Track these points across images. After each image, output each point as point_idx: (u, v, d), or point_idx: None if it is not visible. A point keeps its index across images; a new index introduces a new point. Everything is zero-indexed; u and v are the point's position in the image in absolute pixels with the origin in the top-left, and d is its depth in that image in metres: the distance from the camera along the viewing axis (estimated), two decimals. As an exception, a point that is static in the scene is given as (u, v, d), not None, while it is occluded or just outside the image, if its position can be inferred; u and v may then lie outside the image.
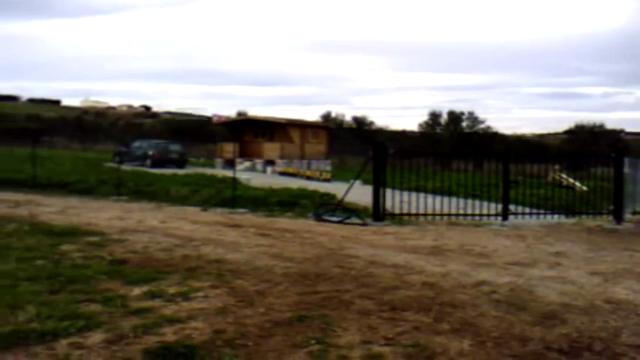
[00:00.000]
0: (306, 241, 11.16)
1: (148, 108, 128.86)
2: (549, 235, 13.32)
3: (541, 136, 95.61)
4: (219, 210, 16.06)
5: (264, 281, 7.83)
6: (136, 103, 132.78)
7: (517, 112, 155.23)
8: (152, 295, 6.85)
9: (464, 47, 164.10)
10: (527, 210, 16.10)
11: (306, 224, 13.71)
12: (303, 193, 18.22)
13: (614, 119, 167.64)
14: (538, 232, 13.75)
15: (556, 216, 15.97)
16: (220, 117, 63.15)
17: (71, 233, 10.96)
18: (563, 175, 26.19)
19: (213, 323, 5.90)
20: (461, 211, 15.23)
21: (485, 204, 15.91)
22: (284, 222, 13.99)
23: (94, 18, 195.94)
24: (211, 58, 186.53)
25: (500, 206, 15.68)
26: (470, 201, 15.88)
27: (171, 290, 7.11)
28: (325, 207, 15.59)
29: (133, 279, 7.61)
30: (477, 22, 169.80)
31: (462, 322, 6.25)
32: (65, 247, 9.67)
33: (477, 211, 15.30)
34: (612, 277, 8.87)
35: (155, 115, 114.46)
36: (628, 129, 78.33)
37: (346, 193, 15.47)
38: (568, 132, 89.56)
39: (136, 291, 7.05)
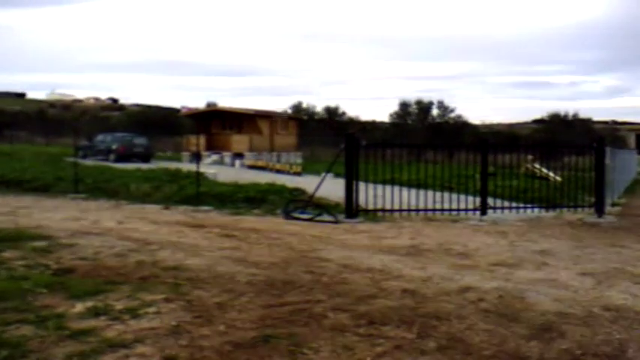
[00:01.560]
0: (274, 242, 10.34)
1: (115, 100, 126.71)
2: (531, 231, 12.66)
3: (510, 125, 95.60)
4: (182, 208, 15.15)
5: (226, 291, 7.01)
6: (104, 95, 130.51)
7: (486, 102, 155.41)
8: (96, 313, 5.98)
9: (433, 37, 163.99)
10: (505, 203, 15.44)
11: (274, 223, 12.87)
12: (272, 189, 17.35)
13: (580, 108, 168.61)
14: (519, 228, 13.08)
15: (536, 209, 15.32)
16: (189, 109, 61.91)
17: (16, 238, 9.98)
18: (537, 166, 25.66)
19: (163, 347, 5.08)
20: (437, 206, 14.50)
21: (461, 197, 15.21)
22: (250, 221, 13.14)
23: (61, 8, 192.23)
24: (181, 49, 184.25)
25: (477, 199, 14.99)
26: (445, 194, 15.13)
27: (119, 306, 6.25)
28: (295, 203, 14.75)
29: (77, 292, 6.73)
30: (447, 11, 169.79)
31: (449, 337, 5.51)
32: (6, 255, 8.72)
33: (454, 205, 14.59)
34: (605, 278, 8.19)
35: (122, 107, 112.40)
36: (595, 118, 78.37)
37: (317, 188, 14.65)
38: (538, 121, 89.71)
39: (79, 307, 6.18)
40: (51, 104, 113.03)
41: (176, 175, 20.20)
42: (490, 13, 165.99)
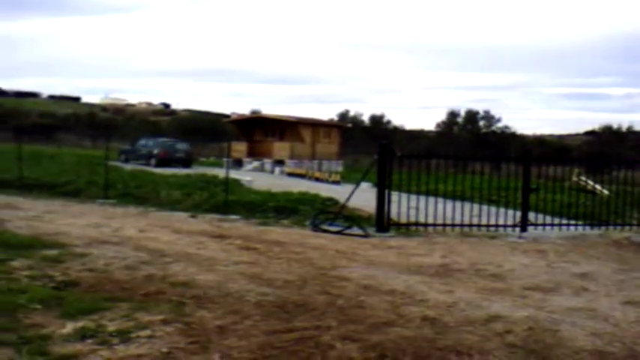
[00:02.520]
0: (295, 257, 9.80)
1: (167, 105, 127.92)
2: (572, 251, 11.86)
3: (561, 137, 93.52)
4: (209, 216, 14.71)
5: (232, 313, 6.50)
6: (157, 100, 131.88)
7: (537, 113, 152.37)
8: (84, 335, 5.53)
9: (484, 47, 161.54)
10: (547, 219, 14.62)
11: (300, 235, 12.33)
12: (304, 198, 16.80)
13: (635, 120, 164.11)
14: (560, 247, 12.29)
15: (580, 227, 14.48)
16: (239, 115, 62.01)
17: (30, 245, 9.65)
18: (584, 179, 24.64)
19: (144, 379, 4.59)
20: (475, 220, 13.76)
21: (502, 211, 14.45)
22: (276, 232, 12.62)
23: (116, 16, 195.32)
24: (233, 57, 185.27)
25: (517, 214, 14.22)
26: (485, 207, 14.34)
27: (111, 327, 5.79)
28: (324, 215, 14.19)
29: (71, 310, 6.30)
30: (500, 22, 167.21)
31: (467, 377, 4.89)
32: (15, 264, 8.37)
33: (493, 220, 13.84)
34: (651, 308, 7.45)
35: (173, 112, 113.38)
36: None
37: (348, 198, 14.08)
38: (589, 133, 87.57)
39: (68, 328, 5.74)
40: (103, 108, 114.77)
41: (211, 181, 19.85)
42: (542, 24, 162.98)
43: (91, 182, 19.22)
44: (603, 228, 14.67)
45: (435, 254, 10.75)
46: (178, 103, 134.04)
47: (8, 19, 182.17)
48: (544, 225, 14.16)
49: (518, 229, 13.83)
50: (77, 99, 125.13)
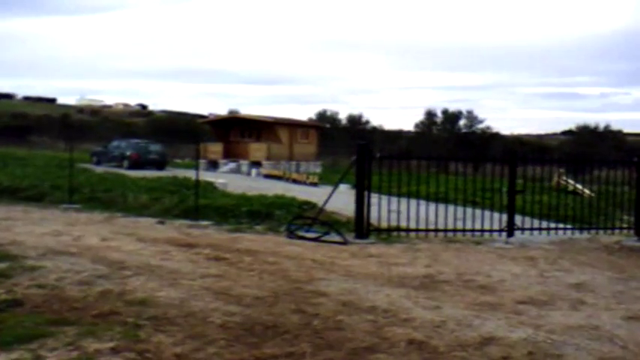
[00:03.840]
0: (268, 268, 9.02)
1: (144, 107, 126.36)
2: (563, 257, 11.20)
3: (539, 136, 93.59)
4: (178, 222, 13.86)
5: (193, 337, 5.73)
6: (134, 101, 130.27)
7: (514, 113, 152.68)
8: (13, 371, 4.74)
9: (462, 47, 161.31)
10: (534, 222, 13.96)
11: (274, 242, 11.53)
12: (279, 202, 15.99)
13: (611, 120, 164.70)
14: (549, 253, 11.64)
15: (568, 231, 13.85)
16: (216, 116, 61.11)
17: (-24, 258, 8.82)
18: (569, 180, 24.11)
19: None
20: (459, 224, 13.06)
21: (486, 214, 13.78)
22: (249, 239, 11.81)
23: (92, 16, 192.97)
24: (210, 57, 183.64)
25: (503, 217, 13.55)
26: (469, 210, 13.65)
27: (51, 359, 5.01)
28: (301, 220, 13.42)
29: (8, 337, 5.50)
30: (476, 22, 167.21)
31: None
32: (-43, 280, 7.56)
33: (478, 224, 13.15)
34: (658, 324, 6.78)
35: (151, 114, 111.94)
36: (625, 130, 75.82)
37: (325, 202, 13.31)
38: (567, 132, 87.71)
39: (-1, 361, 4.95)
40: (80, 109, 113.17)
41: (182, 184, 19.00)
42: (520, 24, 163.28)
43: (55, 186, 18.27)
44: (592, 232, 14.05)
45: (419, 263, 10.03)
46: (155, 104, 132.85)
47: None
48: (531, 229, 13.49)
49: (504, 234, 13.17)
50: (53, 100, 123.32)
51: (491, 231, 13.14)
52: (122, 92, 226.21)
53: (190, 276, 8.25)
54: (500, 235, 13.16)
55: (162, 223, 13.67)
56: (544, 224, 13.89)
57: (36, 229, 12.04)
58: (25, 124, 77.50)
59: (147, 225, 13.39)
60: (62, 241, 10.80)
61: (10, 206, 16.03)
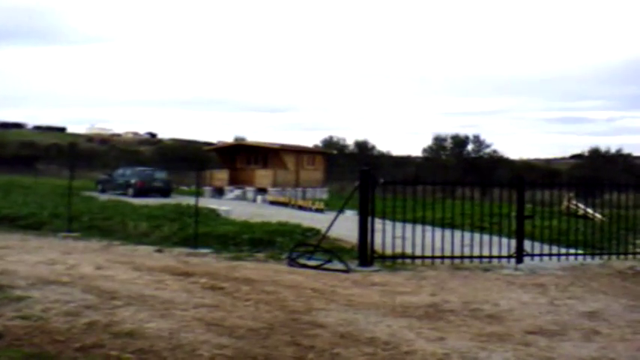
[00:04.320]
0: (266, 297, 8.64)
1: (153, 135, 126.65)
2: (574, 284, 10.77)
3: (547, 160, 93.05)
4: (177, 250, 13.50)
5: (179, 373, 5.36)
6: (143, 130, 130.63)
7: (522, 137, 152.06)
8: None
9: (470, 73, 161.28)
10: (544, 248, 13.47)
11: (274, 271, 11.14)
12: (282, 229, 15.63)
13: (618, 143, 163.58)
14: (560, 279, 11.21)
15: (579, 257, 13.40)
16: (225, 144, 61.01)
17: (-37, 288, 8.47)
18: (579, 204, 23.66)
19: None
20: (466, 251, 12.65)
21: (494, 239, 13.37)
22: (248, 268, 11.42)
23: (102, 45, 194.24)
24: (218, 86, 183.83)
25: (512, 242, 13.13)
26: (476, 235, 13.15)
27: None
28: (303, 247, 13.05)
29: (-21, 374, 5.15)
30: (484, 48, 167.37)
31: None
32: (-62, 311, 7.21)
33: (486, 250, 12.71)
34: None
35: (160, 142, 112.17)
36: (635, 153, 75.23)
37: (328, 229, 12.96)
38: (575, 156, 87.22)
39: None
40: (89, 138, 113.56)
41: (184, 212, 18.67)
42: (528, 50, 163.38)
43: (55, 214, 17.99)
44: (605, 257, 13.61)
45: (424, 291, 9.62)
46: (164, 133, 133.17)
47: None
48: (541, 255, 13.06)
49: (513, 260, 12.74)
50: (63, 129, 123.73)
51: (499, 257, 12.73)
52: (131, 121, 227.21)
53: (183, 306, 7.88)
54: (509, 262, 12.74)
55: (160, 251, 13.32)
56: (554, 249, 13.47)
57: (30, 258, 11.70)
58: (33, 153, 77.74)
59: (144, 253, 13.04)
60: (55, 270, 10.45)
61: (7, 234, 15.73)
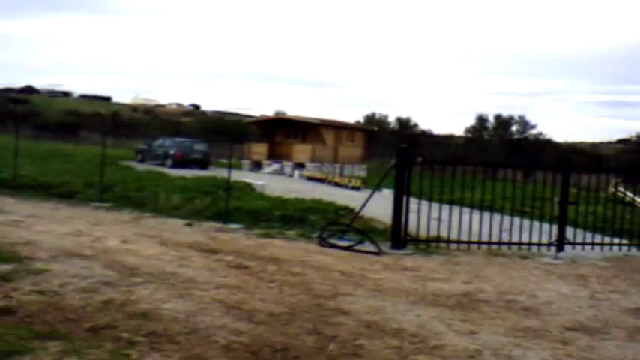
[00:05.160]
0: (291, 279, 8.30)
1: (197, 107, 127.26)
2: (618, 277, 10.23)
3: (593, 145, 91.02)
4: (207, 225, 13.21)
5: (191, 359, 5.06)
6: (186, 101, 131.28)
7: (568, 120, 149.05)
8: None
9: (515, 52, 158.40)
10: (587, 236, 12.84)
11: (303, 250, 10.78)
12: (315, 206, 15.20)
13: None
14: (603, 271, 10.67)
15: (624, 247, 12.79)
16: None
17: (-17, 258, 8.31)
18: (624, 190, 22.83)
19: None
20: (504, 236, 12.15)
21: (535, 225, 12.83)
22: (277, 246, 11.09)
23: (149, 15, 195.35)
24: (264, 59, 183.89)
25: (553, 229, 12.58)
26: (516, 220, 12.52)
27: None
28: (335, 226, 12.67)
29: (-20, 352, 4.91)
30: (529, 28, 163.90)
31: None
32: (-48, 282, 7.04)
33: (525, 236, 12.14)
34: None
35: (204, 113, 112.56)
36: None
37: (361, 208, 12.56)
38: (622, 141, 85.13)
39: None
40: (134, 108, 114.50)
41: (220, 185, 18.34)
42: (573, 30, 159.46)
43: (89, 184, 17.84)
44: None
45: (457, 279, 9.18)
46: (208, 105, 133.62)
47: (43, 17, 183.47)
48: (583, 244, 12.49)
49: (553, 248, 12.20)
50: (108, 98, 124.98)
51: (539, 245, 12.19)
52: (177, 92, 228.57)
53: (204, 286, 7.59)
54: (548, 249, 12.20)
55: (190, 225, 13.06)
56: (597, 238, 12.89)
57: (58, 229, 11.54)
58: (77, 122, 78.54)
59: (174, 227, 12.79)
60: (80, 242, 10.26)
61: (40, 203, 15.65)
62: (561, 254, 12.02)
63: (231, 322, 6.15)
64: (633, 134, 72.17)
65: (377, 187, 12.82)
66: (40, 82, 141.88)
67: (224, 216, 13.76)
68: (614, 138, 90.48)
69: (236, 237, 11.93)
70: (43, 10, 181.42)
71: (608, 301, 8.28)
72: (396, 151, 12.04)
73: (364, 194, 21.47)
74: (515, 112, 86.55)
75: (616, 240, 12.99)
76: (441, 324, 6.57)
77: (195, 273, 8.33)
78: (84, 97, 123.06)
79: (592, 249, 12.50)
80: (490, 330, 6.48)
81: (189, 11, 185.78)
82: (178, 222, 13.52)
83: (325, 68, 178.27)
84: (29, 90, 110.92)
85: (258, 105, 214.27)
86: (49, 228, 11.62)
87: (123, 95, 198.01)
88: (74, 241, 10.24)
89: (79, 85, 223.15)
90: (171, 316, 6.20)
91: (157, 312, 6.33)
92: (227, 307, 6.69)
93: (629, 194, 21.78)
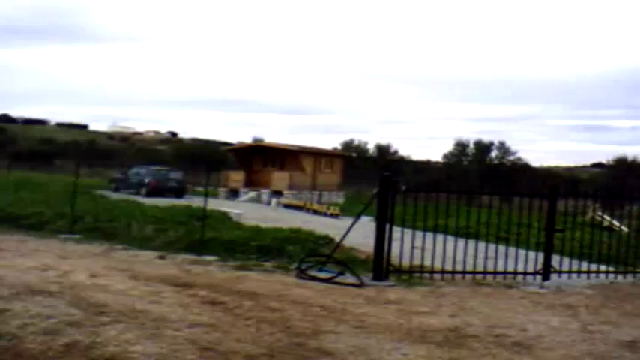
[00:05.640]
0: (269, 315, 7.85)
1: (174, 134, 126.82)
2: (606, 306, 9.90)
3: (568, 169, 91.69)
4: (180, 257, 12.68)
5: (159, 412, 4.60)
6: (165, 129, 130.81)
7: (543, 145, 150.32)
8: None
9: (491, 79, 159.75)
10: (572, 263, 12.42)
11: (281, 284, 10.31)
12: (293, 236, 14.73)
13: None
14: (590, 300, 10.34)
15: (610, 275, 12.49)
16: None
17: (-61, 297, 7.78)
18: (603, 215, 22.67)
19: None
20: (489, 266, 11.75)
21: (518, 252, 12.49)
22: (254, 279, 10.62)
23: (126, 44, 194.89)
24: (241, 87, 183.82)
25: (537, 255, 12.16)
26: (499, 247, 12.08)
27: None
28: (315, 257, 12.24)
29: None
30: (505, 54, 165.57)
31: None
32: None
33: (509, 264, 11.76)
34: None
35: (181, 141, 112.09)
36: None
37: (342, 238, 12.17)
38: (597, 165, 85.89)
39: None
40: (110, 136, 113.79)
41: (194, 214, 17.86)
42: (549, 56, 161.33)
43: (60, 214, 17.27)
44: (637, 275, 12.69)
45: (443, 312, 8.77)
46: (186, 132, 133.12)
47: (20, 47, 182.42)
48: (569, 272, 12.15)
49: (539, 277, 11.85)
50: (85, 127, 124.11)
51: (524, 273, 11.84)
52: (153, 120, 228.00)
53: (177, 325, 7.11)
54: (534, 278, 11.85)
55: (162, 257, 12.54)
56: (582, 265, 12.56)
57: (24, 262, 11.00)
58: (52, 150, 77.67)
59: (146, 260, 12.28)
60: (46, 277, 9.74)
61: (7, 235, 15.06)
62: (547, 282, 11.68)
63: (204, 366, 5.70)
64: (608, 158, 72.57)
65: (358, 216, 12.37)
66: (16, 111, 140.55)
67: (199, 247, 13.26)
68: (589, 162, 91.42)
69: (211, 269, 11.44)
70: (20, 38, 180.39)
71: (600, 333, 7.92)
72: (379, 180, 11.63)
73: (343, 222, 21.14)
74: (492, 138, 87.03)
75: (602, 267, 12.69)
76: (430, 364, 6.15)
77: (167, 310, 7.85)
78: (60, 125, 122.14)
79: (579, 276, 12.17)
80: (481, 370, 6.08)
81: (168, 40, 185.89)
82: (151, 254, 13.00)
83: (303, 95, 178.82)
84: (5, 119, 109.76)
85: (235, 132, 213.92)
86: (14, 262, 11.08)
87: (100, 123, 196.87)
88: (39, 276, 9.71)
89: (54, 114, 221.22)
90: (139, 361, 5.74)
91: (125, 355, 5.86)
92: (201, 348, 6.23)
93: (607, 218, 21.61)
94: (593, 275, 12.35)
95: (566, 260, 12.49)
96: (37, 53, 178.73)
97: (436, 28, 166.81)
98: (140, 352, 6.00)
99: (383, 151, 76.14)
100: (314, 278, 10.82)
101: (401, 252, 11.35)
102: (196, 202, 23.55)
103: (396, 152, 76.50)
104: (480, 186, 31.28)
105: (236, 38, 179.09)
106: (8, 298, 7.97)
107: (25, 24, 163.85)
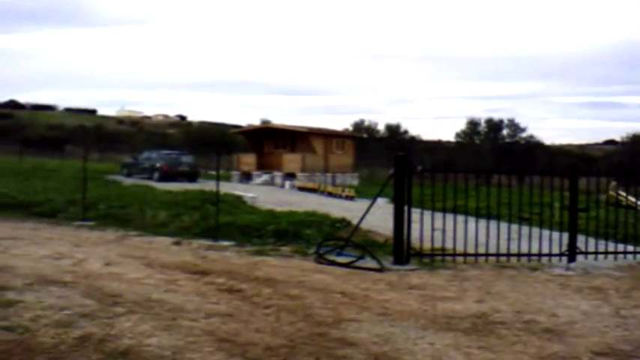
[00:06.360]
0: (289, 304, 7.58)
1: (183, 118, 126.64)
2: (637, 288, 9.55)
3: (580, 146, 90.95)
4: (196, 243, 12.41)
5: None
6: (173, 113, 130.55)
7: (552, 122, 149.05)
8: None
9: (500, 56, 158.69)
10: (592, 242, 12.00)
11: (300, 269, 10.03)
12: (309, 219, 14.38)
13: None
14: (619, 282, 9.99)
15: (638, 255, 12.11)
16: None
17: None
18: (623, 193, 22.22)
19: None
20: (512, 247, 11.40)
21: (540, 232, 12.11)
22: (271, 265, 10.34)
23: (133, 27, 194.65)
24: (249, 68, 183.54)
25: (561, 236, 11.76)
26: (522, 228, 11.69)
27: None
28: (332, 241, 11.94)
29: None
30: (515, 31, 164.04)
31: None
32: None
33: (532, 245, 11.32)
34: None
35: (189, 124, 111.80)
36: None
37: (360, 221, 11.84)
38: (609, 142, 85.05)
39: None
40: (120, 120, 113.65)
41: (208, 199, 17.58)
42: (557, 33, 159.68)
43: (71, 201, 17.03)
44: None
45: (469, 297, 8.46)
46: (194, 115, 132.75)
47: (27, 31, 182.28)
48: (596, 253, 11.78)
49: (564, 258, 11.51)
50: (93, 111, 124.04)
51: (550, 255, 11.49)
52: (162, 103, 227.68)
53: (194, 315, 6.86)
54: (559, 260, 11.51)
55: (178, 244, 12.30)
56: (605, 245, 12.21)
57: (37, 251, 10.80)
58: (61, 135, 77.52)
59: (161, 246, 12.03)
60: (60, 266, 9.52)
61: (19, 223, 14.87)
62: (572, 264, 11.34)
63: (223, 359, 5.43)
64: (621, 135, 71.84)
65: (375, 198, 12.04)
66: (24, 97, 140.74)
67: (214, 232, 12.98)
68: (600, 139, 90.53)
69: (227, 256, 11.18)
70: (27, 23, 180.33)
71: (634, 318, 7.59)
72: (394, 160, 11.29)
73: (359, 204, 20.83)
74: (500, 115, 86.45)
75: (630, 247, 12.32)
76: (458, 354, 5.87)
77: (183, 300, 7.60)
78: (68, 110, 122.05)
79: (605, 257, 11.81)
80: (513, 358, 5.79)
81: (174, 22, 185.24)
82: (166, 240, 12.75)
83: (311, 76, 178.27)
84: (13, 105, 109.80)
85: (244, 114, 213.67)
86: (28, 250, 10.89)
87: (108, 108, 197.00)
88: (53, 266, 9.51)
89: (63, 99, 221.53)
90: (155, 354, 5.49)
91: (140, 349, 5.61)
92: (218, 340, 5.97)
93: (630, 197, 21.18)
94: (619, 256, 11.98)
95: (591, 241, 12.11)
96: (43, 38, 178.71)
97: (441, 6, 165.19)
98: (155, 344, 5.76)
99: (393, 131, 75.67)
100: (333, 263, 10.55)
101: (421, 234, 11.01)
102: (209, 186, 23.31)
103: (406, 132, 76.06)
104: (496, 165, 30.85)
105: (242, 19, 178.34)
106: (20, 289, 7.76)
107: (29, 7, 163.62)
